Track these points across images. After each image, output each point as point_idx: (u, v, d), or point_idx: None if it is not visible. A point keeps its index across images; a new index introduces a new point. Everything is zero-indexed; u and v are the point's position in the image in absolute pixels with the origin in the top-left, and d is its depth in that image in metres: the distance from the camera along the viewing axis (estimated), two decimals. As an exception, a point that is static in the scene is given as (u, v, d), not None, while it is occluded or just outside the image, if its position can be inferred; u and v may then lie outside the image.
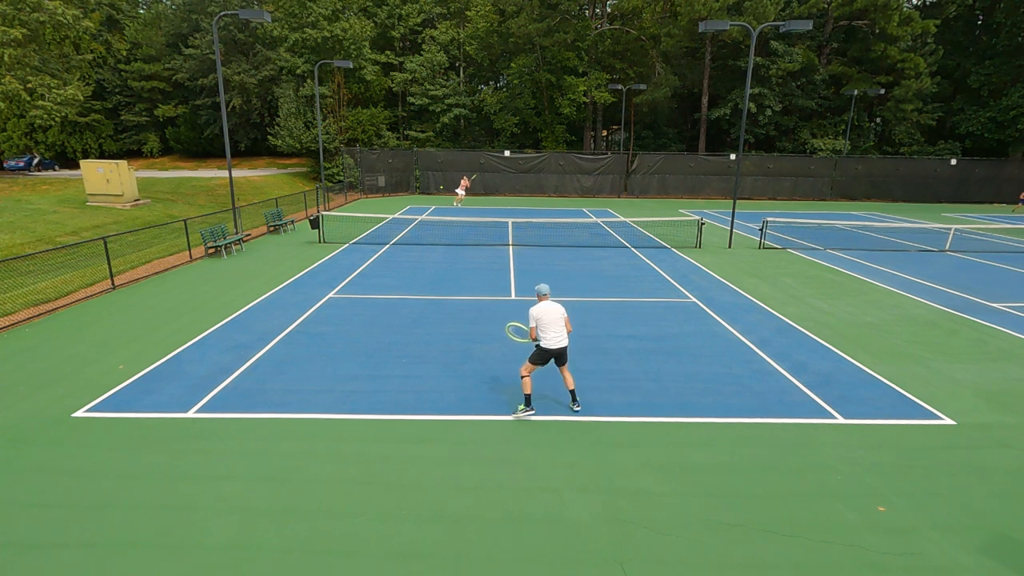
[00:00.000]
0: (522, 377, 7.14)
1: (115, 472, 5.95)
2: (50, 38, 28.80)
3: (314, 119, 36.26)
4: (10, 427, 6.85)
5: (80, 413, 7.20)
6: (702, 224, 20.30)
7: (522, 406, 7.18)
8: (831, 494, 5.73)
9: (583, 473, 6.04)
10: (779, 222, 25.21)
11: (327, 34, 35.36)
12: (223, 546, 4.90)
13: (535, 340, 7.04)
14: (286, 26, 36.13)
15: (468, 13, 41.95)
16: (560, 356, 7.10)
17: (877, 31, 39.51)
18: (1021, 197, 34.20)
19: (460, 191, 29.57)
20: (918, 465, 6.27)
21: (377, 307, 11.89)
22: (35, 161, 40.18)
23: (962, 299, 13.19)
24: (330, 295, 12.80)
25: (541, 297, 7.09)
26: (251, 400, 7.56)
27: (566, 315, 7.09)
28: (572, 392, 7.34)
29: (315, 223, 19.69)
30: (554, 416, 7.25)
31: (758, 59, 38.90)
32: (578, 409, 7.32)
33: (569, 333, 7.16)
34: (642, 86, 38.12)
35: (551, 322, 6.92)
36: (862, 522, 5.31)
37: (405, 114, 44.83)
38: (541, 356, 7.05)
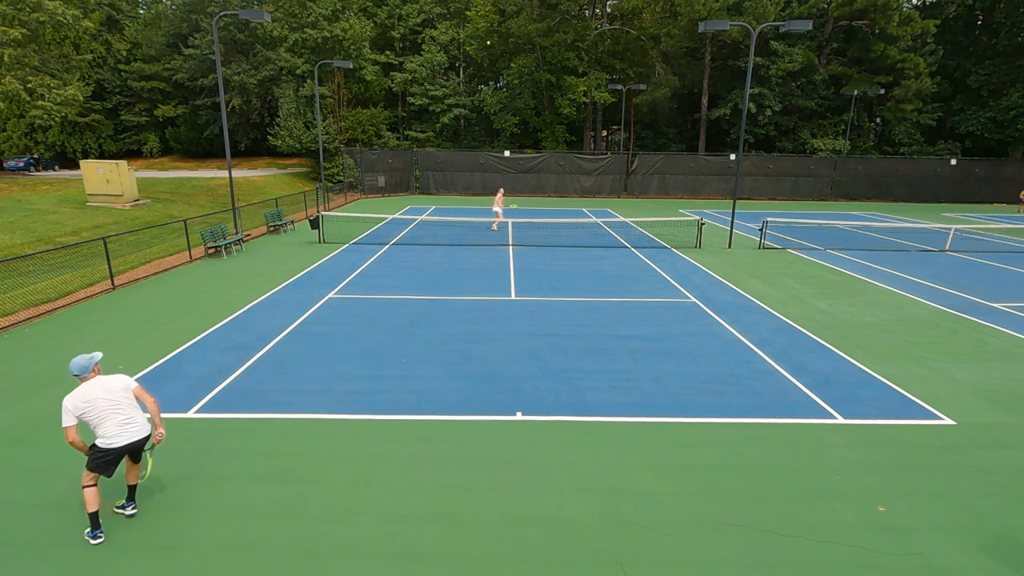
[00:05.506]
0: (84, 487, 4.87)
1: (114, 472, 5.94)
2: (50, 38, 28.79)
3: (314, 119, 36.26)
4: (10, 427, 6.85)
5: (80, 413, 7.19)
6: (702, 224, 20.30)
7: (87, 529, 4.92)
8: (831, 494, 5.73)
9: (583, 473, 6.04)
10: (779, 222, 25.21)
11: (327, 34, 35.37)
12: (223, 546, 4.90)
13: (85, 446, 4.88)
14: (286, 26, 36.13)
15: (468, 13, 41.95)
16: (136, 452, 5.07)
17: (877, 31, 39.52)
18: (1022, 196, 34.19)
19: (497, 208, 22.38)
20: (918, 465, 6.27)
21: (377, 307, 11.89)
22: (35, 157, 40.24)
23: (962, 299, 13.19)
24: (330, 295, 12.80)
25: (82, 377, 4.85)
26: (251, 400, 7.56)
27: (135, 387, 5.02)
28: (132, 488, 5.22)
29: (315, 223, 19.68)
30: (554, 416, 7.25)
31: (758, 59, 38.90)
32: (131, 513, 5.21)
33: (158, 413, 5.06)
34: (642, 86, 38.09)
35: (106, 410, 4.80)
36: (862, 522, 5.31)
37: (405, 114, 44.83)
38: (101, 459, 4.85)
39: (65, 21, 25.92)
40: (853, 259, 17.84)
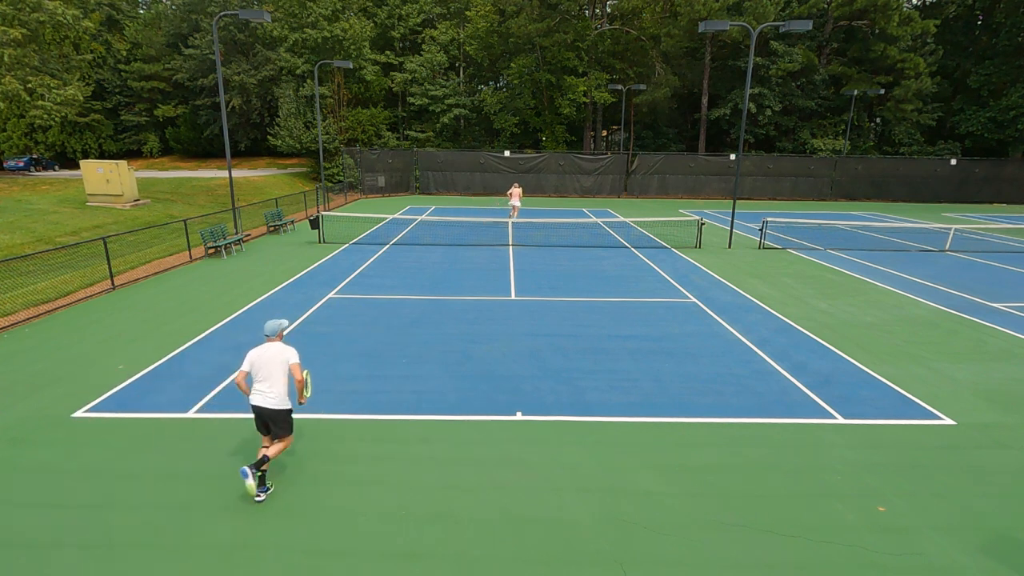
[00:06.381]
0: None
1: (115, 472, 5.95)
2: (50, 38, 28.79)
3: (314, 119, 36.26)
4: (10, 427, 6.85)
5: (80, 413, 7.20)
6: (702, 224, 20.30)
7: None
8: (831, 494, 5.73)
9: (583, 473, 6.04)
10: (779, 222, 25.21)
11: (327, 34, 35.37)
12: (223, 546, 4.90)
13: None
14: (286, 26, 36.13)
15: (468, 13, 41.95)
16: (261, 417, 5.62)
17: (877, 31, 39.51)
18: None
19: (515, 201, 24.54)
20: (918, 465, 6.27)
21: (377, 307, 11.88)
22: (35, 157, 40.27)
23: (962, 299, 13.19)
24: (330, 295, 12.80)
25: (269, 338, 5.68)
26: (251, 400, 7.56)
27: (292, 362, 5.59)
28: (259, 460, 5.49)
29: (315, 223, 19.69)
30: (554, 416, 7.25)
31: (758, 59, 38.90)
32: (260, 496, 5.48)
33: (301, 387, 5.61)
34: (642, 86, 38.09)
35: (259, 372, 5.56)
36: (862, 522, 5.31)
37: (405, 114, 44.83)
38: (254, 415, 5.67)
39: (65, 21, 25.92)
40: (853, 259, 17.84)
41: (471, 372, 8.57)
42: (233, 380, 5.38)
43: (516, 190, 24.63)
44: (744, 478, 5.97)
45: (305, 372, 5.75)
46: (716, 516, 5.36)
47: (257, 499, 5.46)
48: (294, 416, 5.78)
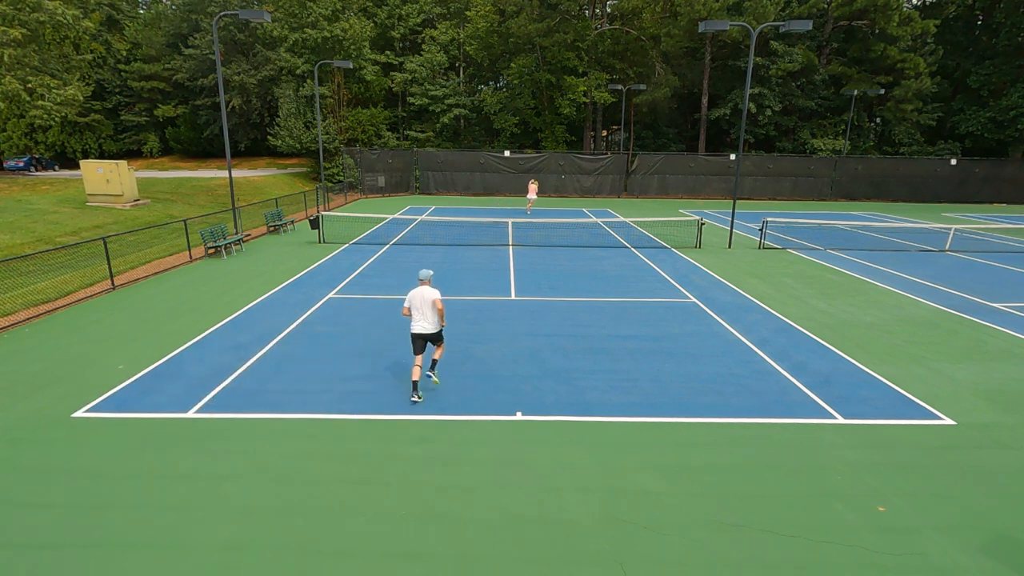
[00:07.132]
0: (414, 367, 7.68)
1: (115, 472, 5.95)
2: (50, 38, 28.81)
3: (314, 119, 36.26)
4: (10, 427, 6.85)
5: (80, 413, 7.20)
6: (702, 224, 20.30)
7: (410, 393, 7.68)
8: (831, 494, 5.73)
9: (583, 473, 6.04)
10: (779, 222, 25.21)
11: (327, 34, 35.37)
12: (223, 546, 4.90)
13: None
14: (286, 26, 36.13)
15: (468, 13, 41.94)
16: (422, 339, 7.55)
17: (877, 31, 39.50)
18: None
19: (532, 195, 27.82)
20: (918, 465, 6.27)
21: (377, 307, 11.88)
22: (35, 157, 40.29)
23: (962, 299, 13.19)
24: (330, 295, 12.80)
25: (421, 281, 7.51)
26: (251, 400, 7.56)
27: (436, 299, 7.40)
28: (434, 362, 7.88)
29: (315, 223, 19.69)
30: (554, 416, 7.25)
31: (758, 59, 38.89)
32: (431, 377, 7.84)
33: (442, 315, 7.55)
34: (642, 86, 38.06)
35: (415, 308, 7.44)
36: (862, 522, 5.31)
37: (405, 114, 44.82)
38: (411, 338, 7.61)
39: (65, 21, 25.93)
40: (853, 259, 17.84)
41: (471, 372, 8.57)
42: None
43: (532, 186, 27.97)
44: (744, 478, 5.97)
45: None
46: (716, 516, 5.36)
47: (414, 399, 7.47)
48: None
